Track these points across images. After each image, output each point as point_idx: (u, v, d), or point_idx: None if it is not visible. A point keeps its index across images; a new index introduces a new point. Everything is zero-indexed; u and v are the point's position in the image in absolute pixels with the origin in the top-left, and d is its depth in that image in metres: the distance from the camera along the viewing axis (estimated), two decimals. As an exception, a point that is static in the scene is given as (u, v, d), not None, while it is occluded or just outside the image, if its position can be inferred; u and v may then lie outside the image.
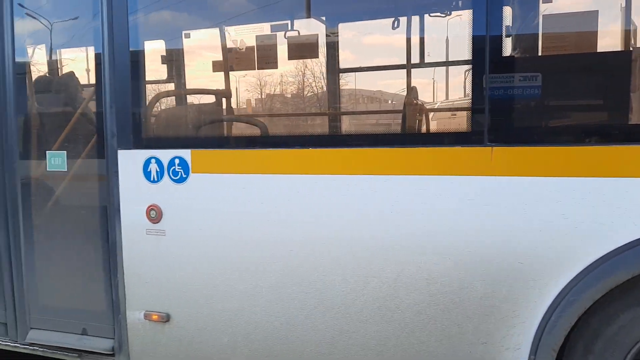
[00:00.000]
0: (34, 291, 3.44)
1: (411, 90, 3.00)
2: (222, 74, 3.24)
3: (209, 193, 2.93)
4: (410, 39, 3.03)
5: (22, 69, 3.42)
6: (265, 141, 2.94)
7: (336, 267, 2.69)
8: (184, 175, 2.98)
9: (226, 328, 2.96)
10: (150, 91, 3.23)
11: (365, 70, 3.24)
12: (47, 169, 3.33)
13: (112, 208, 3.15)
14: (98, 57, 3.17)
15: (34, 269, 3.43)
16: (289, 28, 3.61)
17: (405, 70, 3.15)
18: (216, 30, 3.31)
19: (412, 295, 2.55)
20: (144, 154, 3.05)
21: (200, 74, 3.12)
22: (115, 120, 3.10)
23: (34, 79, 3.50)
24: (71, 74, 3.58)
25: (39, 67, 3.51)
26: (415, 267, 2.53)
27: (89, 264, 3.33)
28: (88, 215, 3.34)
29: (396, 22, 3.02)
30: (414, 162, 2.50)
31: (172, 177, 3.00)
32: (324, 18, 3.47)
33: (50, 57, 3.53)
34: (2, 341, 3.53)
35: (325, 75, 3.26)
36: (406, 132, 2.55)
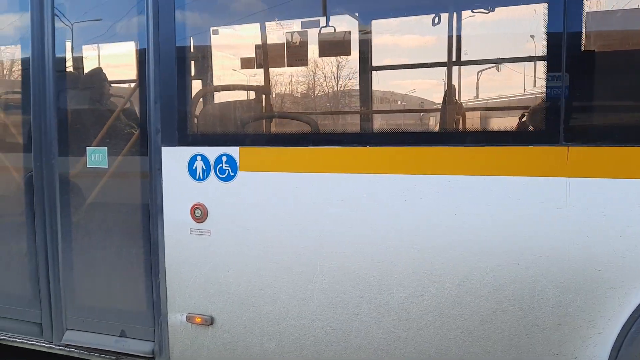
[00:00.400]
0: (70, 291, 3.30)
1: (476, 88, 2.86)
2: (270, 69, 3.09)
3: (257, 192, 2.78)
4: (483, 35, 2.87)
5: (62, 65, 3.28)
6: (319, 138, 2.78)
7: (393, 270, 2.53)
8: (232, 174, 2.83)
9: (273, 332, 2.80)
10: (196, 87, 3.08)
11: (428, 67, 3.06)
12: (87, 166, 3.19)
13: (154, 206, 3.00)
14: (142, 53, 3.03)
15: (71, 268, 3.28)
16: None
17: (473, 66, 3.00)
18: (265, 25, 3.15)
19: (477, 302, 2.38)
20: (189, 151, 2.91)
21: (248, 69, 2.97)
22: (159, 117, 2.96)
23: (73, 75, 3.36)
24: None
25: (79, 63, 3.37)
26: (481, 273, 2.36)
27: (128, 264, 3.18)
28: (129, 213, 3.20)
29: (466, 15, 2.87)
30: (482, 162, 2.34)
31: (219, 175, 2.86)
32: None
33: (91, 53, 3.39)
34: (37, 342, 3.38)
35: (382, 72, 3.10)
36: (473, 130, 2.38)
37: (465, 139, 2.42)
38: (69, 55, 3.28)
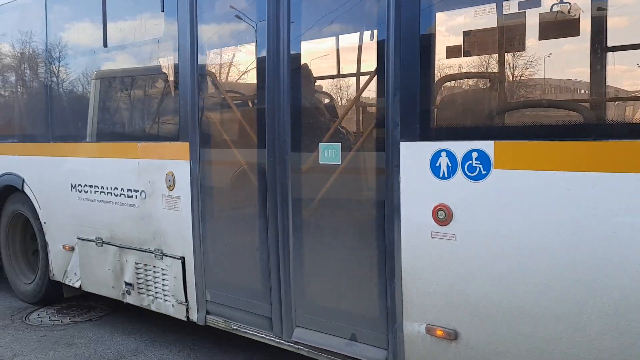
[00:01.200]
0: (300, 288, 3.23)
1: None
2: (514, 54, 2.66)
3: (516, 194, 2.38)
4: None
5: (296, 63, 3.21)
6: (604, 131, 2.26)
7: None
8: (483, 172, 2.47)
9: (534, 357, 2.37)
10: (441, 75, 2.77)
11: None
12: (320, 162, 3.08)
13: (390, 206, 2.77)
14: (381, 43, 2.82)
15: (301, 264, 3.22)
16: None
17: None
18: (502, 5, 2.72)
19: None
20: (432, 146, 2.62)
21: (488, 54, 2.57)
22: (399, 110, 2.72)
23: (305, 71, 3.27)
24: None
25: (311, 59, 3.28)
26: None
27: (361, 265, 3.01)
28: (361, 211, 3.02)
29: None
30: None
31: (468, 173, 2.51)
32: None
33: (324, 47, 3.30)
34: (266, 335, 3.39)
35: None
36: None
37: None
38: (303, 52, 3.21)
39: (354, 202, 3.06)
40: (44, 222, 4.88)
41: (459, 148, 2.53)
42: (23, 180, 5.03)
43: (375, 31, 2.90)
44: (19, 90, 5.44)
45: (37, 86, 5.09)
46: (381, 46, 2.81)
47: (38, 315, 4.92)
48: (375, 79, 2.91)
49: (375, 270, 2.91)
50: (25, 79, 5.32)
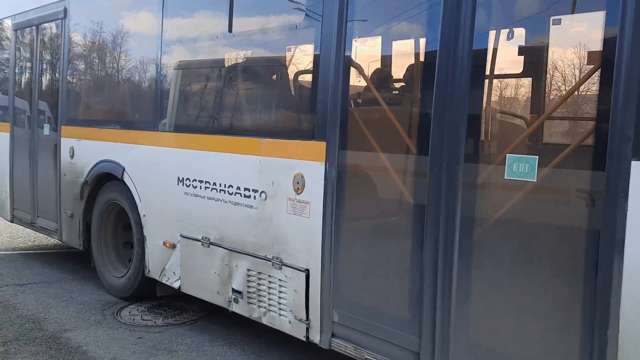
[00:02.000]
0: (462, 322, 2.64)
1: None
2: None
3: None
4: None
5: (481, 59, 2.63)
6: None
7: None
8: None
9: None
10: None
11: None
12: (505, 176, 2.49)
13: (609, 238, 2.17)
14: (610, 32, 2.22)
15: (467, 294, 2.63)
16: None
17: None
18: None
19: None
20: (683, 169, 1.99)
21: None
22: (634, 120, 2.10)
23: (495, 67, 2.69)
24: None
25: (500, 55, 2.69)
26: None
27: (554, 305, 2.40)
28: (562, 241, 2.41)
29: None
30: None
31: None
32: None
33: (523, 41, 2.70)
34: (411, 373, 2.81)
35: None
36: None
37: None
38: (490, 44, 2.63)
39: (551, 229, 2.44)
40: (144, 215, 4.47)
41: None
42: (123, 169, 4.64)
43: (602, 16, 2.29)
44: (124, 75, 5.08)
45: (146, 71, 4.70)
46: (610, 36, 2.21)
47: (129, 312, 4.51)
48: (595, 78, 2.30)
49: (578, 314, 2.29)
50: (132, 63, 4.94)
